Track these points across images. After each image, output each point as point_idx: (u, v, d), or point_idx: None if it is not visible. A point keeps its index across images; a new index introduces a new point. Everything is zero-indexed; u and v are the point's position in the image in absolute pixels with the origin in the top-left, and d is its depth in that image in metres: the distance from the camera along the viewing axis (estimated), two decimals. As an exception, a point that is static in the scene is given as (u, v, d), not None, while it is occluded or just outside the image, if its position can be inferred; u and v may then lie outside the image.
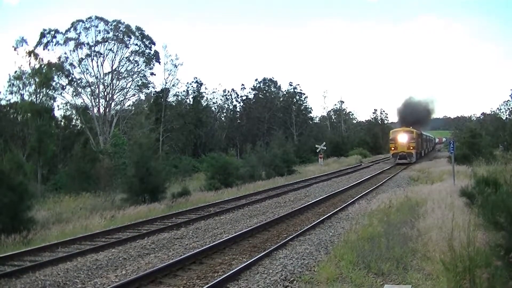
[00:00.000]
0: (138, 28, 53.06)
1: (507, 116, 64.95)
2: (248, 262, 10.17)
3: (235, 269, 9.64)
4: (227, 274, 9.30)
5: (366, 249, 10.03)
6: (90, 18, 50.60)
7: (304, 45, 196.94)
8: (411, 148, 47.68)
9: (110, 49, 50.98)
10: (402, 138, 48.04)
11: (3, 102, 46.97)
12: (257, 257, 10.63)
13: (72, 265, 11.26)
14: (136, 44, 52.94)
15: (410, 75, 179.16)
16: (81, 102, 51.60)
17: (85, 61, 50.09)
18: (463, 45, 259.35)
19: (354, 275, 8.54)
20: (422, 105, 71.15)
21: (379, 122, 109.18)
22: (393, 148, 48.74)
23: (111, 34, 50.99)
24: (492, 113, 69.75)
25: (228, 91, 78.03)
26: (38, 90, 46.87)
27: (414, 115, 64.63)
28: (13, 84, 46.68)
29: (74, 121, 55.93)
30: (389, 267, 8.88)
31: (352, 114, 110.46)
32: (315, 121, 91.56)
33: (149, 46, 53.62)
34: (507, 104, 65.43)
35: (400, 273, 8.52)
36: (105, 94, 51.10)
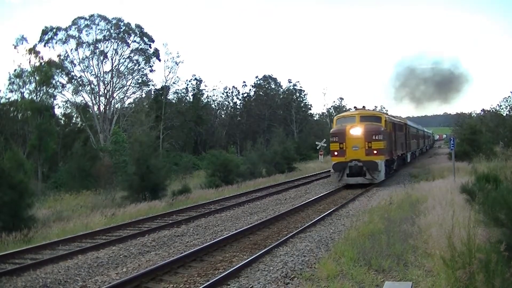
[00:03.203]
0: (138, 26, 53.08)
1: (507, 112, 64.77)
2: (249, 259, 10.17)
3: (236, 266, 9.64)
4: (228, 271, 9.30)
5: (366, 246, 10.04)
6: (92, 15, 50.64)
7: (304, 42, 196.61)
8: (375, 152, 24.05)
9: (111, 47, 51.02)
10: (356, 131, 24.42)
11: (3, 100, 47.00)
12: (257, 254, 10.63)
13: (73, 263, 11.28)
14: (136, 42, 52.96)
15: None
16: (81, 100, 51.68)
17: (85, 59, 50.10)
18: (463, 43, 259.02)
19: (354, 272, 8.54)
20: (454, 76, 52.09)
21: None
22: (336, 153, 24.75)
23: (112, 32, 50.98)
24: (492, 109, 69.50)
25: (229, 89, 78.06)
26: (38, 88, 46.91)
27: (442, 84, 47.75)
28: (13, 82, 46.73)
29: (74, 119, 56.07)
30: (389, 263, 8.88)
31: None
32: (315, 118, 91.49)
33: (149, 43, 53.65)
34: (507, 101, 65.17)
35: (401, 270, 8.52)
36: (105, 92, 51.12)
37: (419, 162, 41.63)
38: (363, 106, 28.56)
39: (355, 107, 28.22)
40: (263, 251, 10.95)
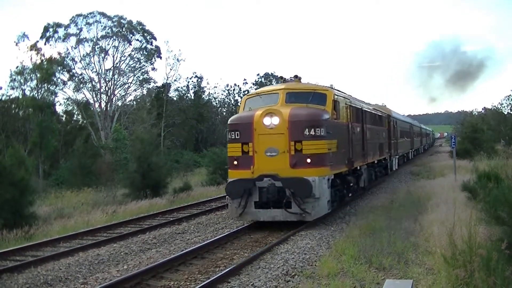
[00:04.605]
0: (139, 23, 53.01)
1: (509, 110, 64.76)
2: (250, 257, 10.18)
3: (237, 264, 9.64)
4: (229, 268, 9.31)
5: (367, 244, 10.05)
6: (92, 13, 50.60)
7: (306, 39, 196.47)
8: (310, 161, 12.79)
9: (113, 45, 51.01)
10: (273, 120, 13.07)
11: (5, 98, 47.05)
12: (258, 251, 10.64)
13: (74, 260, 11.29)
14: (138, 40, 52.91)
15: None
16: (83, 98, 51.68)
17: (86, 57, 50.09)
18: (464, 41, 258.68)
19: (355, 269, 8.55)
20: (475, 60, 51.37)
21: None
22: (235, 162, 13.57)
23: (113, 30, 50.94)
24: (494, 108, 69.54)
25: (230, 86, 77.95)
26: (40, 86, 46.95)
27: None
28: (14, 79, 46.77)
29: (75, 116, 56.04)
30: (390, 261, 8.89)
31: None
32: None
33: (150, 41, 53.59)
34: (508, 99, 65.15)
35: (402, 268, 8.52)
36: (107, 89, 51.13)
37: (419, 160, 41.40)
38: (295, 76, 15.52)
39: (281, 77, 16.49)
40: (264, 248, 10.95)
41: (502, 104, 66.90)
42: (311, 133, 12.87)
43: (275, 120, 12.96)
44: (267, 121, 13.05)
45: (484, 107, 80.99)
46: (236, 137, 13.55)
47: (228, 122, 14.32)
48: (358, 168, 17.67)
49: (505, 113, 63.45)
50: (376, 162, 21.76)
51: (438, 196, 14.73)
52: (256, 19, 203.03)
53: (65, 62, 49.56)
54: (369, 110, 20.60)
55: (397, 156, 29.12)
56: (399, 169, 30.52)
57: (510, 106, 65.01)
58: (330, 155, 13.45)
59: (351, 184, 16.45)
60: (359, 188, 18.45)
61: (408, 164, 36.00)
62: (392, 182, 24.98)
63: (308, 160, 12.75)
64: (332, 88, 15.68)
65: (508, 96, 64.95)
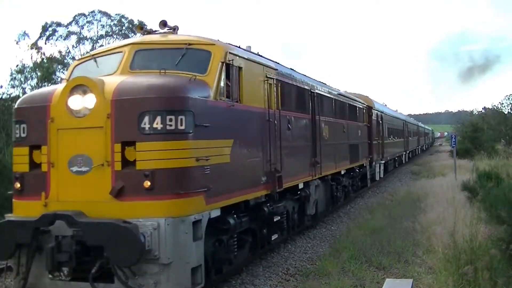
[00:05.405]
0: (141, 23, 53.04)
1: (509, 110, 64.71)
2: (251, 255, 10.16)
3: (237, 263, 9.62)
4: (229, 267, 9.30)
5: (367, 243, 10.07)
6: (93, 11, 50.69)
7: (308, 36, 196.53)
8: (151, 185, 5.97)
9: (113, 43, 51.05)
10: (86, 102, 6.29)
11: (5, 96, 47.11)
12: (260, 251, 10.59)
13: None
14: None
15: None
16: (83, 96, 51.77)
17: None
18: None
19: (355, 269, 8.56)
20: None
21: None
22: (18, 185, 6.60)
23: (113, 29, 51.01)
24: (494, 107, 69.46)
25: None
26: (40, 84, 46.99)
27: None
28: (15, 78, 46.83)
29: (75, 115, 56.15)
30: (390, 261, 8.91)
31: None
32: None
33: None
34: (509, 98, 65.08)
35: (402, 267, 8.54)
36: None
37: (420, 159, 41.26)
38: (163, 23, 8.19)
39: (139, 26, 9.41)
40: (265, 247, 10.93)
41: (502, 103, 66.85)
42: (155, 125, 6.22)
43: (90, 101, 6.44)
44: (75, 102, 6.52)
45: (484, 107, 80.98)
46: (22, 135, 7.02)
47: (15, 106, 7.62)
48: (301, 186, 11.05)
49: (506, 112, 63.44)
50: (344, 172, 15.49)
51: (438, 196, 14.73)
52: (257, 15, 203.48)
53: (65, 61, 49.65)
54: (329, 95, 14.10)
55: (383, 161, 23.18)
56: (388, 176, 25.59)
57: (510, 105, 65.01)
58: (204, 171, 6.66)
59: (277, 219, 9.55)
60: (305, 218, 11.93)
61: (402, 168, 32.78)
62: (392, 181, 24.98)
63: (147, 183, 6.12)
64: (235, 46, 8.39)
65: (510, 95, 64.92)
